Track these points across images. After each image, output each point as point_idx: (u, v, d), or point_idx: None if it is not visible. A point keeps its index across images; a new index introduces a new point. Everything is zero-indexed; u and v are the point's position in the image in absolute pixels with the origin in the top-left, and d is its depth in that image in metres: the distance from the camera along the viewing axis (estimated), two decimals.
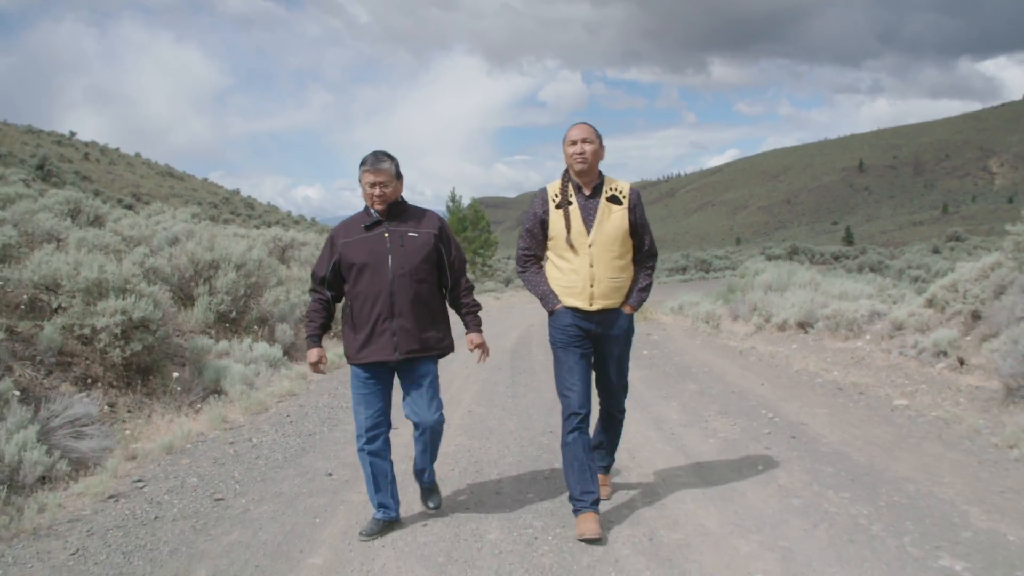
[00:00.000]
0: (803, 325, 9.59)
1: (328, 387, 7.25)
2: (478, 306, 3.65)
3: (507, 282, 30.02)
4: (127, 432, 5.11)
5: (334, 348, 8.89)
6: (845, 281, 12.00)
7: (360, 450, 3.50)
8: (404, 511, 3.62)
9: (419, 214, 3.53)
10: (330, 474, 4.40)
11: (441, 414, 3.50)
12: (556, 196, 3.47)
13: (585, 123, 3.45)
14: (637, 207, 3.49)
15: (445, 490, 4.02)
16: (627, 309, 3.51)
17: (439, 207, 39.19)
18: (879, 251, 37.41)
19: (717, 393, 6.44)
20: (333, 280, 3.50)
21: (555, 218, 3.45)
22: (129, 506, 3.87)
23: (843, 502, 3.60)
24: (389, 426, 3.55)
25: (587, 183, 3.45)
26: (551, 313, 3.51)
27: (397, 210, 3.46)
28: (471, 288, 3.66)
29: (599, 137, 3.45)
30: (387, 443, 3.54)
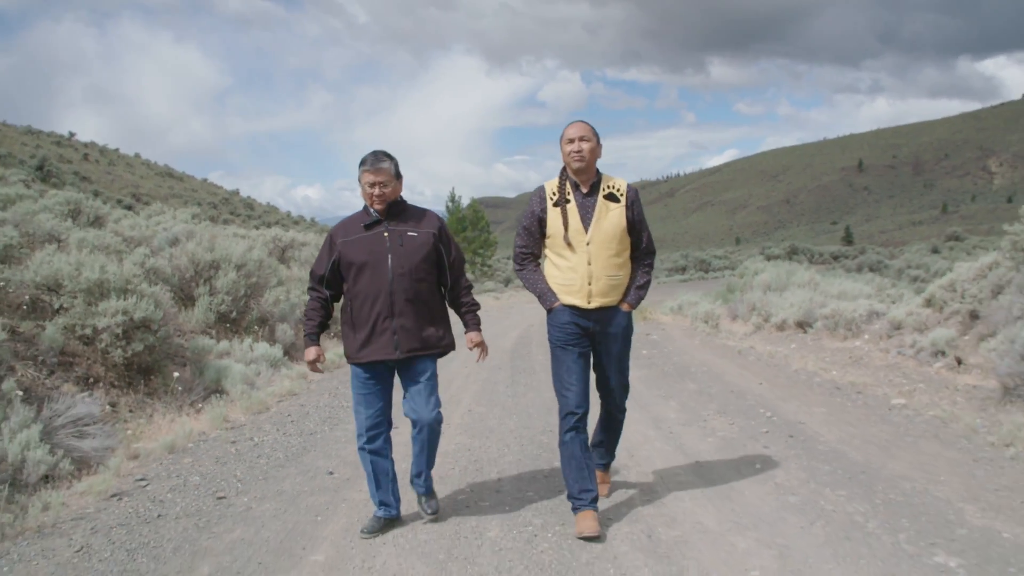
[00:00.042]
0: (802, 325, 9.63)
1: (329, 386, 7.29)
2: (477, 305, 3.67)
3: (507, 282, 30.04)
4: (129, 432, 5.13)
5: (334, 348, 8.92)
6: (844, 281, 12.04)
7: (361, 449, 3.53)
8: (405, 509, 3.64)
9: (418, 214, 3.55)
10: (331, 473, 4.43)
11: (439, 412, 3.50)
12: (554, 194, 3.48)
13: (582, 121, 3.46)
14: (635, 204, 3.50)
15: (445, 488, 4.06)
16: (625, 307, 3.53)
17: (439, 207, 39.22)
18: (878, 251, 37.45)
19: (716, 392, 6.47)
20: (332, 279, 3.51)
21: (553, 216, 3.45)
22: (132, 504, 3.90)
23: (840, 500, 3.63)
24: (390, 425, 3.58)
25: (585, 181, 3.46)
26: (549, 311, 3.52)
27: (396, 210, 3.47)
28: (470, 287, 3.68)
29: (596, 135, 3.46)
30: (388, 442, 3.56)
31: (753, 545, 3.14)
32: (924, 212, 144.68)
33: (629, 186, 3.52)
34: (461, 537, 3.37)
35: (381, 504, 3.52)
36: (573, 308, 3.46)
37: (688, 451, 4.64)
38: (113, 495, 4.03)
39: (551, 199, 3.48)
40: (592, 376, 3.61)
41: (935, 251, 31.81)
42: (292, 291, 9.79)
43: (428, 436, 3.49)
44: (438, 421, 3.49)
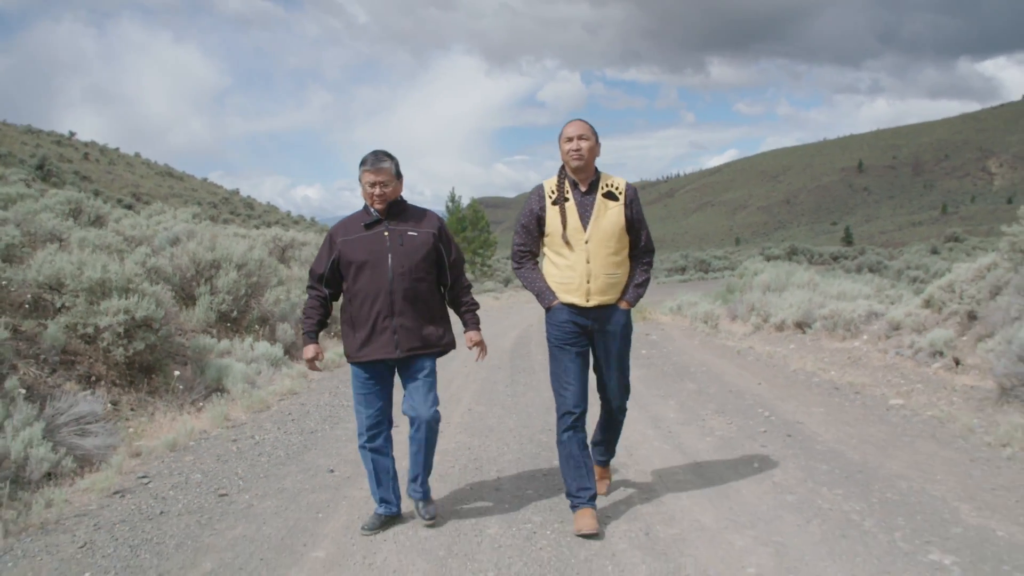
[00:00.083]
0: (801, 325, 9.66)
1: (329, 385, 7.32)
2: (476, 305, 3.69)
3: (506, 282, 30.07)
4: (130, 430, 5.16)
5: (334, 347, 8.95)
6: (843, 281, 12.07)
7: (362, 447, 3.56)
8: (405, 507, 3.67)
9: (418, 214, 3.56)
10: (332, 471, 4.46)
11: (437, 411, 3.48)
12: (552, 192, 3.48)
13: (581, 120, 3.46)
14: (633, 203, 3.50)
15: (445, 486, 4.09)
16: (623, 305, 3.53)
17: (439, 207, 39.27)
18: (878, 251, 37.49)
19: (714, 392, 6.50)
20: (331, 278, 3.52)
21: (551, 214, 3.46)
22: (135, 501, 3.93)
23: (836, 498, 3.66)
24: (390, 424, 3.60)
25: (583, 179, 3.47)
26: (547, 310, 3.53)
27: (397, 209, 3.49)
28: (469, 287, 3.70)
29: (595, 134, 3.46)
30: (388, 440, 3.59)
31: (750, 543, 3.18)
32: (924, 213, 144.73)
33: (628, 184, 3.52)
34: (461, 534, 3.40)
35: (382, 501, 3.55)
36: (572, 306, 3.46)
37: (686, 450, 4.67)
38: (116, 492, 4.06)
39: (550, 197, 3.48)
40: (593, 376, 3.63)
41: (934, 252, 31.85)
42: (292, 291, 9.82)
43: (426, 435, 3.46)
44: (436, 419, 3.48)
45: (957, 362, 6.58)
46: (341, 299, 3.61)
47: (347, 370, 3.74)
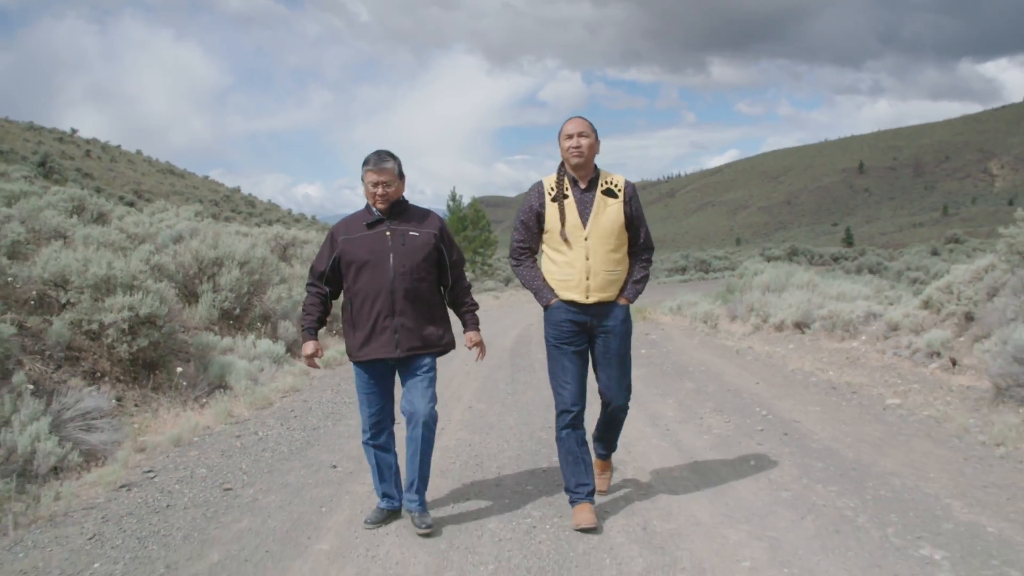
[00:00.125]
0: (800, 325, 9.72)
1: (331, 383, 7.38)
2: (476, 306, 3.72)
3: (507, 281, 30.13)
4: (135, 425, 5.23)
5: (335, 345, 9.02)
6: (843, 282, 12.13)
7: (365, 443, 3.61)
8: None
9: (420, 214, 3.58)
10: (335, 466, 4.53)
11: (435, 409, 3.46)
12: (552, 189, 3.49)
13: (581, 117, 3.48)
14: (633, 200, 3.52)
15: (446, 482, 4.15)
16: (623, 301, 3.54)
17: (439, 206, 39.35)
18: (878, 252, 37.54)
19: (713, 391, 6.56)
20: (332, 276, 3.54)
21: (551, 211, 3.47)
22: (141, 495, 4.00)
23: (831, 495, 3.72)
24: (392, 421, 3.64)
25: (583, 177, 3.48)
26: (546, 308, 3.54)
27: (399, 209, 3.51)
28: (469, 288, 3.73)
29: (595, 131, 3.48)
30: (391, 437, 3.63)
31: (745, 537, 3.24)
32: (925, 214, 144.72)
33: (627, 182, 3.53)
34: (462, 528, 3.47)
35: (384, 496, 3.60)
36: (571, 303, 3.47)
37: (684, 448, 4.74)
38: (122, 486, 4.13)
39: (549, 194, 3.49)
40: (593, 375, 3.66)
41: (935, 253, 31.88)
42: (294, 289, 9.88)
43: (423, 433, 3.42)
44: (433, 418, 3.45)
45: (954, 363, 6.65)
46: (341, 298, 3.63)
47: (348, 367, 3.78)
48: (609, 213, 3.46)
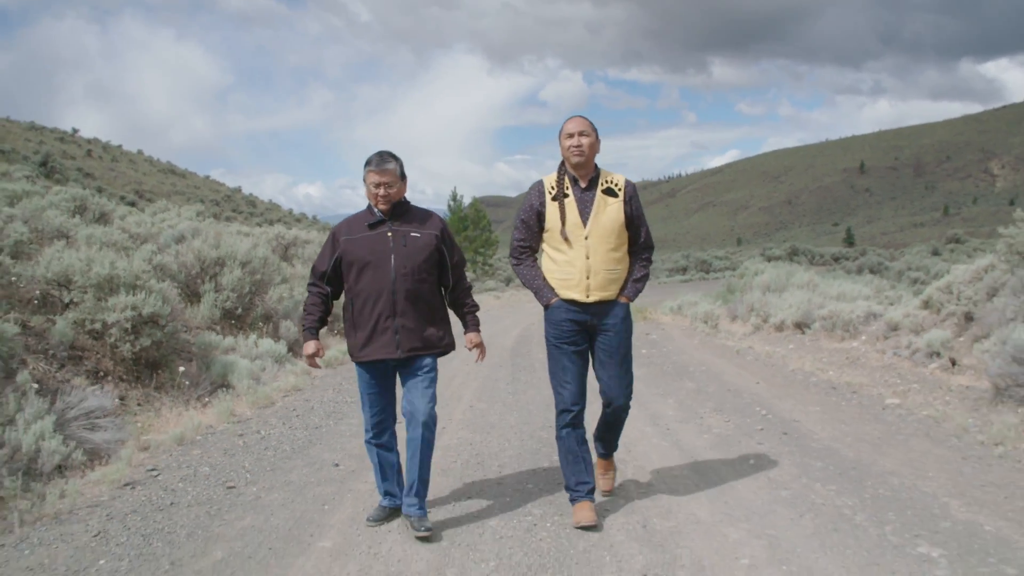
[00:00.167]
0: (800, 326, 9.74)
1: (333, 382, 7.41)
2: (477, 307, 3.73)
3: (508, 281, 30.15)
4: (138, 424, 5.26)
5: (337, 345, 9.05)
6: (843, 282, 12.15)
7: (367, 442, 3.63)
8: None
9: (421, 215, 3.59)
10: (337, 465, 4.56)
11: (434, 409, 3.45)
12: (552, 188, 3.51)
13: (581, 116, 3.49)
14: (633, 199, 3.53)
15: (448, 480, 4.18)
16: (623, 299, 3.55)
17: (440, 206, 39.39)
18: (879, 252, 37.54)
19: (713, 391, 6.59)
20: (333, 276, 3.55)
21: (551, 210, 3.48)
22: (145, 493, 4.04)
23: (829, 494, 3.75)
24: (395, 420, 3.66)
25: (583, 176, 3.50)
26: (546, 307, 3.55)
27: (400, 210, 3.52)
28: (470, 289, 3.74)
29: (595, 130, 3.49)
30: (393, 436, 3.66)
31: (744, 536, 3.26)
32: (926, 214, 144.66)
33: (627, 181, 3.55)
34: (463, 525, 3.50)
35: (386, 494, 3.63)
36: (571, 302, 3.48)
37: (684, 447, 4.76)
38: (126, 484, 4.16)
39: (549, 193, 3.51)
40: (593, 375, 3.68)
41: (935, 253, 31.89)
42: (295, 288, 9.92)
43: (423, 435, 3.40)
44: (433, 419, 3.45)
45: (953, 362, 6.67)
46: (343, 298, 3.64)
47: (350, 367, 3.80)
48: (609, 212, 3.47)
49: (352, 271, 3.47)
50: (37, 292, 6.24)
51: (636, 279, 3.60)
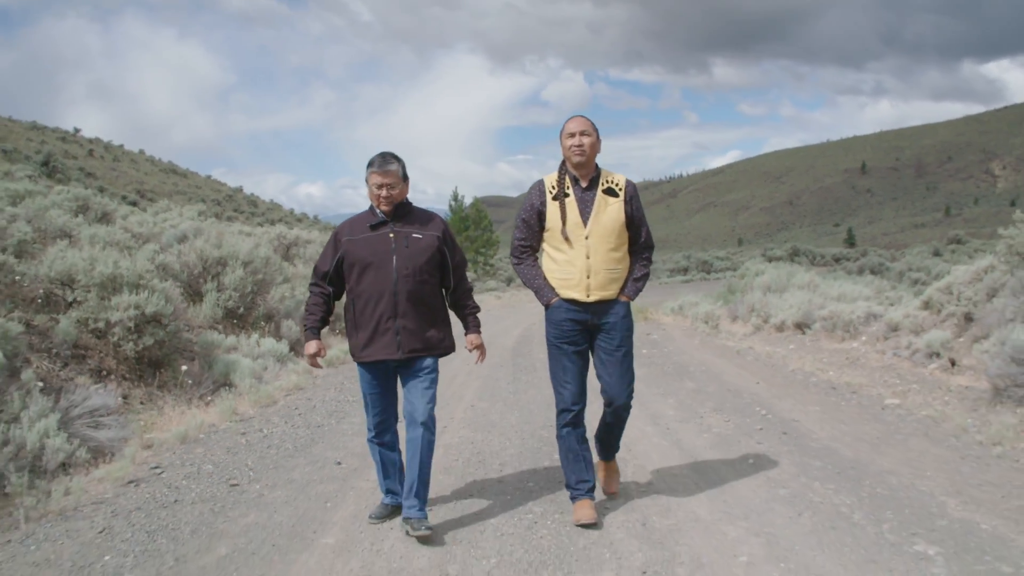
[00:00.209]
0: (801, 326, 9.77)
1: (334, 381, 7.44)
2: (477, 308, 3.75)
3: (509, 281, 30.19)
4: (141, 423, 5.30)
5: (339, 344, 9.08)
6: (844, 283, 12.17)
7: (370, 441, 3.66)
8: None
9: (423, 216, 3.60)
10: (339, 463, 4.59)
11: (433, 410, 3.45)
12: (553, 188, 3.52)
13: (583, 116, 3.51)
14: (633, 199, 3.55)
15: (449, 478, 4.21)
16: (623, 298, 3.56)
17: (441, 206, 39.44)
18: (880, 253, 37.54)
19: (713, 391, 6.62)
20: (335, 276, 3.57)
21: (551, 210, 3.50)
22: (149, 490, 4.07)
23: (828, 493, 3.77)
24: (396, 419, 3.68)
25: (584, 175, 3.52)
26: (547, 306, 3.56)
27: (403, 211, 3.53)
28: (471, 290, 3.76)
29: (596, 130, 3.51)
30: (395, 435, 3.68)
31: (743, 533, 3.29)
32: (927, 215, 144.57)
33: (628, 181, 3.56)
34: (464, 523, 3.53)
35: (388, 492, 3.67)
36: (571, 302, 3.50)
37: (684, 446, 4.79)
38: (130, 482, 4.20)
39: (550, 192, 3.52)
40: (594, 375, 3.70)
41: (937, 254, 31.89)
42: (297, 288, 9.95)
43: (422, 435, 3.40)
44: (431, 419, 3.44)
45: (953, 363, 6.69)
46: (344, 298, 3.65)
47: (352, 366, 3.82)
48: (610, 212, 3.49)
49: (354, 272, 3.48)
50: (41, 291, 6.27)
51: (636, 278, 3.62)
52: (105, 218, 10.93)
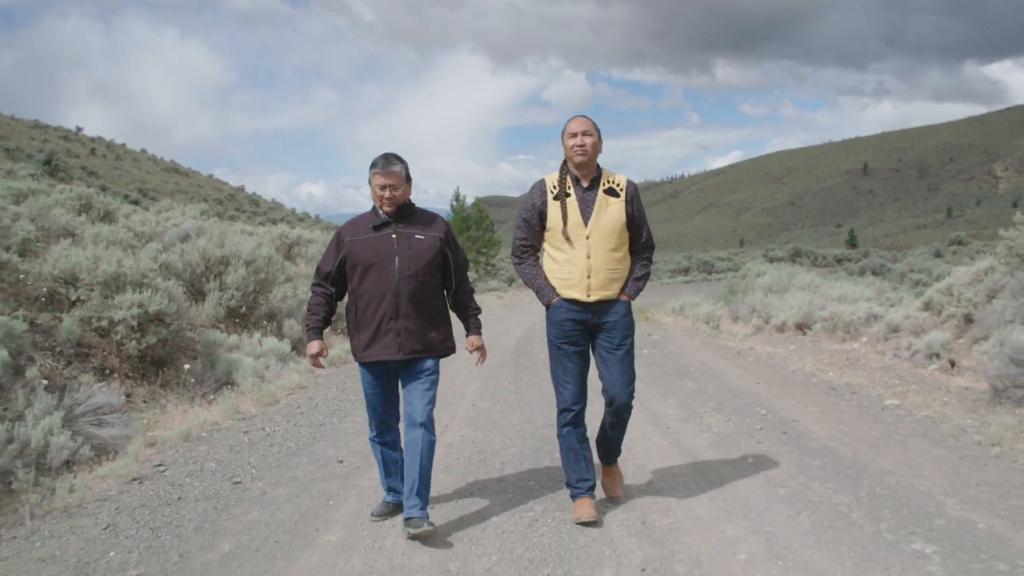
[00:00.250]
0: (801, 327, 9.78)
1: (336, 380, 7.47)
2: (479, 310, 3.76)
3: (510, 281, 30.21)
4: (145, 421, 5.33)
5: (340, 344, 9.11)
6: (845, 284, 12.18)
7: (371, 440, 3.69)
8: None
9: (426, 217, 3.62)
10: (341, 461, 4.62)
11: (432, 411, 3.45)
12: (554, 187, 3.54)
13: (584, 116, 3.53)
14: (634, 199, 3.56)
15: (451, 477, 4.24)
16: (624, 298, 3.58)
17: (443, 206, 39.46)
18: (882, 254, 37.55)
19: (713, 391, 6.64)
20: (338, 276, 3.58)
21: (552, 209, 3.52)
22: (153, 488, 4.10)
23: (827, 492, 3.80)
24: (398, 419, 3.70)
25: (585, 175, 3.53)
26: (548, 306, 3.58)
27: (405, 212, 3.54)
28: (472, 291, 3.77)
29: (598, 130, 3.53)
30: (397, 434, 3.71)
31: (742, 532, 3.32)
32: (929, 216, 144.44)
33: (629, 181, 3.58)
34: (466, 520, 3.56)
35: (390, 490, 3.69)
36: (572, 302, 3.52)
37: (684, 446, 4.82)
38: (134, 479, 4.23)
39: (551, 192, 3.54)
40: (594, 375, 3.72)
41: (938, 255, 31.88)
42: (299, 287, 9.99)
43: (422, 436, 3.40)
44: (430, 420, 3.44)
45: (953, 364, 6.71)
46: (346, 299, 3.67)
47: (353, 365, 3.84)
48: (611, 212, 3.50)
49: (356, 272, 3.50)
50: (44, 290, 6.31)
51: (637, 278, 3.63)
52: (108, 217, 10.96)
